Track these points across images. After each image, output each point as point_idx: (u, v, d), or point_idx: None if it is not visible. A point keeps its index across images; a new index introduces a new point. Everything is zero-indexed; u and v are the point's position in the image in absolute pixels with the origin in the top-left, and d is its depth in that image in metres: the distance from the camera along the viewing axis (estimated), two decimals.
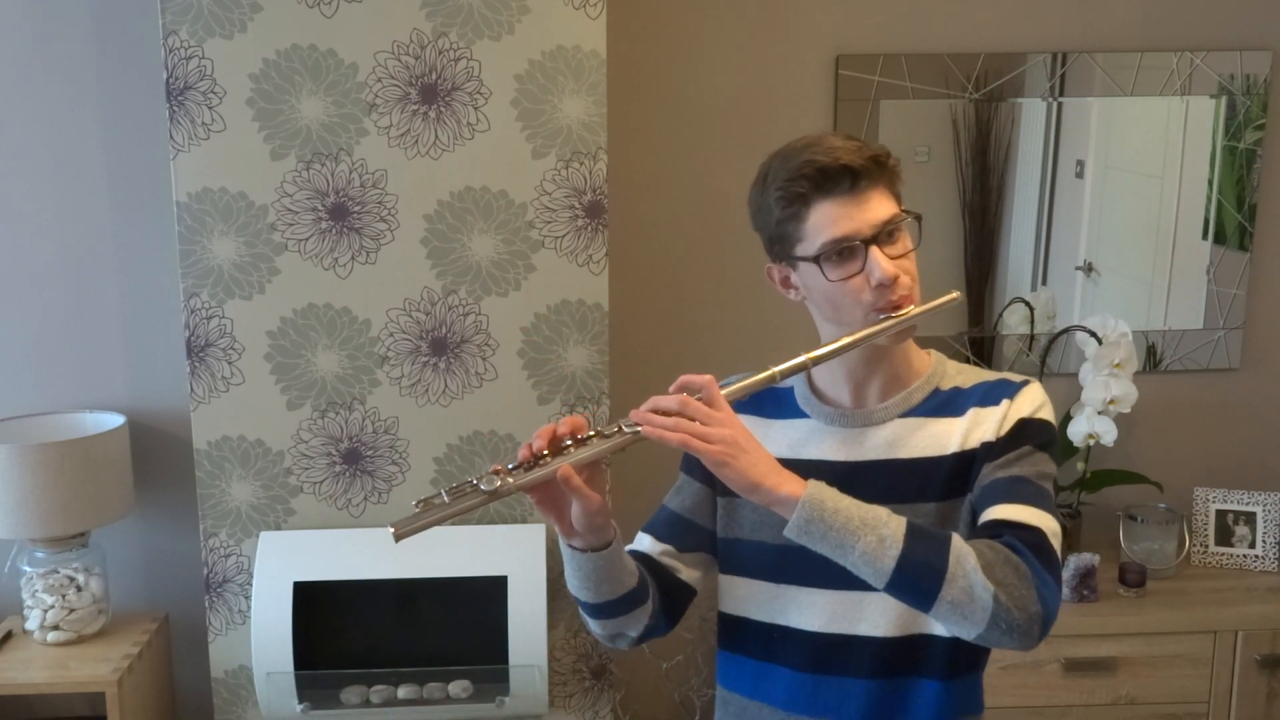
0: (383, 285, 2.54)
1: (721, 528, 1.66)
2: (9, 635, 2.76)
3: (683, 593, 1.68)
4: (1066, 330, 3.01)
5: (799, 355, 1.51)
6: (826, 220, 1.48)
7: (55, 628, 2.69)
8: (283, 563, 2.54)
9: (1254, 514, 2.97)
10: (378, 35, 2.44)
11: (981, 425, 1.53)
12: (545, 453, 1.45)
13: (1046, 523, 1.47)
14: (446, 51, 2.46)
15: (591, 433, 1.47)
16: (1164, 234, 3.05)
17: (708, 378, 1.46)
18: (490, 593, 2.54)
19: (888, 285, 1.49)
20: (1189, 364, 3.11)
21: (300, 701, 2.53)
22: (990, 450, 1.52)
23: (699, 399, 1.45)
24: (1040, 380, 2.92)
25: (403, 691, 2.56)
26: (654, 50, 2.87)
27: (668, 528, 1.69)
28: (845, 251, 1.49)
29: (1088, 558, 2.78)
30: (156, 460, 2.90)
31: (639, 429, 1.44)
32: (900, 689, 1.56)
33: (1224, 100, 2.98)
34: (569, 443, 1.46)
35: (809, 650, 1.59)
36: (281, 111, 2.46)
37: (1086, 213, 3.02)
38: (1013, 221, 3.01)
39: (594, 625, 1.65)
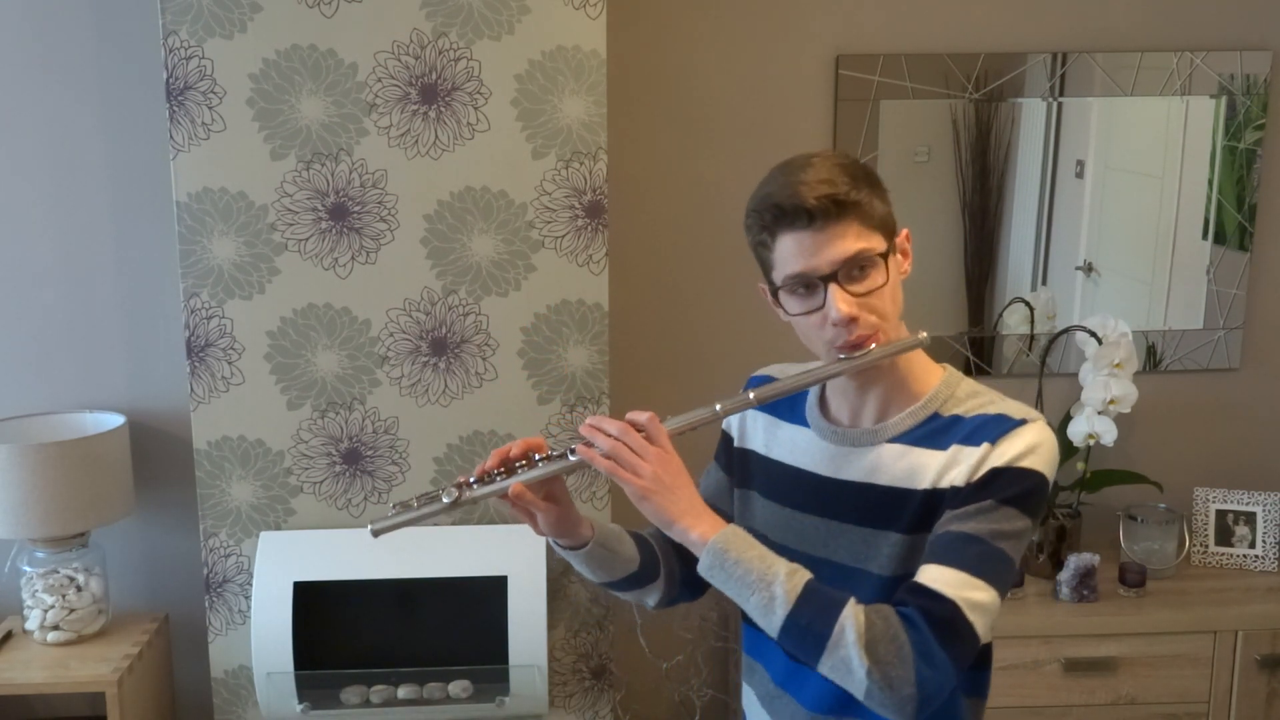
0: (383, 285, 2.54)
1: (738, 516, 1.71)
2: (9, 635, 2.76)
3: None
4: (1066, 330, 3.00)
5: (747, 393, 1.56)
6: (788, 254, 1.49)
7: (55, 628, 2.69)
8: (283, 563, 2.54)
9: (1254, 514, 2.97)
10: (378, 35, 2.44)
11: (958, 466, 1.48)
12: (500, 471, 1.55)
13: (969, 594, 1.41)
14: (446, 51, 2.46)
15: (543, 456, 1.56)
16: (1164, 234, 3.05)
17: (650, 415, 1.51)
18: (490, 593, 2.54)
19: (841, 324, 1.48)
20: (1189, 364, 3.11)
21: (300, 701, 2.53)
22: (956, 496, 1.47)
23: (643, 435, 1.50)
24: (1042, 374, 2.95)
25: (403, 691, 2.56)
26: (654, 50, 2.87)
27: None
28: (809, 286, 1.49)
29: (1088, 558, 2.78)
30: (156, 460, 2.90)
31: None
32: None
33: (1224, 100, 2.98)
34: (523, 463, 1.55)
35: None
36: (281, 111, 2.46)
37: (1086, 213, 3.02)
38: (1013, 221, 3.01)
39: (612, 592, 1.75)
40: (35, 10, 2.71)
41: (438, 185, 2.51)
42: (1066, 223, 3.02)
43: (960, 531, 1.44)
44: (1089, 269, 3.05)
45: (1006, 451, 1.47)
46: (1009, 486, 1.45)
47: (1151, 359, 3.10)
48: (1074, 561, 2.78)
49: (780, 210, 1.48)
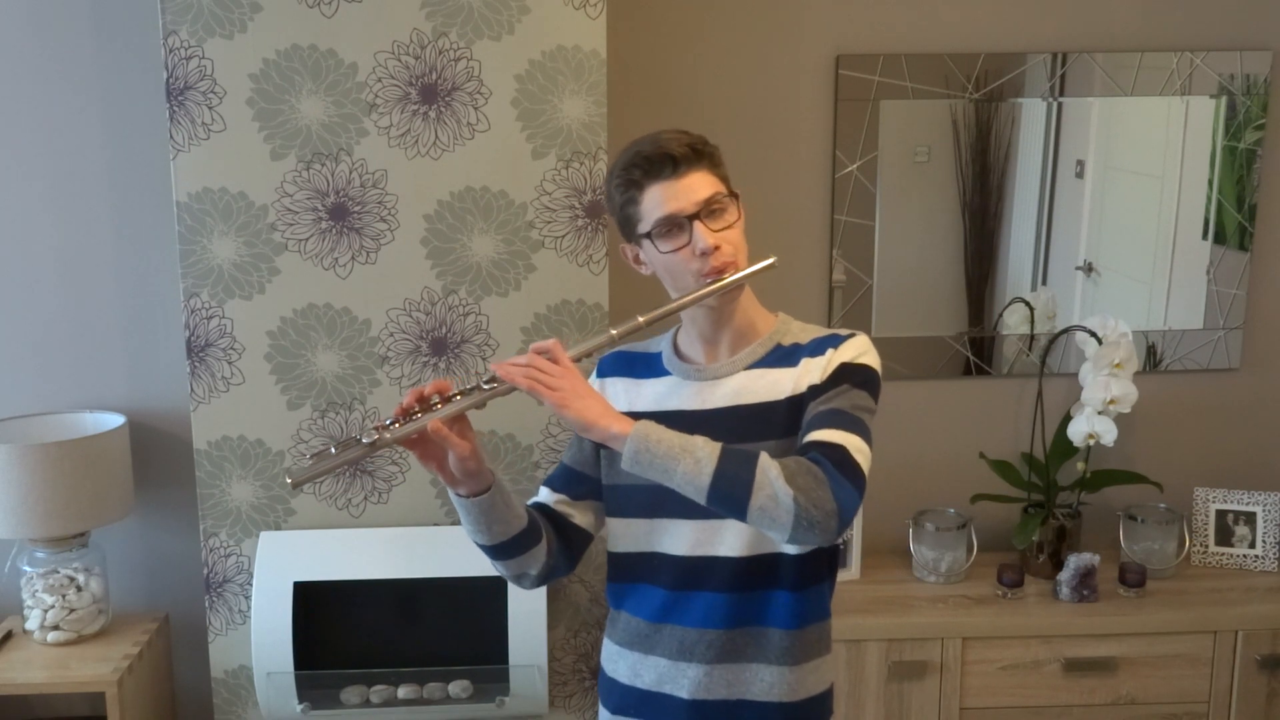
0: (383, 285, 2.54)
1: (605, 475, 1.90)
2: (9, 635, 2.76)
3: (578, 535, 1.95)
4: (1066, 330, 3.00)
5: (636, 317, 1.74)
6: (656, 201, 1.74)
7: (55, 628, 2.69)
8: (283, 563, 2.54)
9: (1254, 514, 2.97)
10: (378, 35, 2.44)
11: (810, 372, 1.77)
12: (417, 411, 1.69)
13: (851, 441, 1.67)
14: (446, 51, 2.46)
15: (455, 392, 1.71)
16: (1164, 234, 3.05)
17: (553, 341, 1.70)
18: (490, 593, 2.54)
19: (709, 253, 1.73)
20: (1189, 364, 3.11)
21: (300, 701, 2.53)
22: (815, 391, 1.75)
23: (547, 358, 1.68)
24: (1042, 374, 2.96)
25: (403, 691, 2.56)
26: (654, 50, 2.88)
27: (561, 480, 1.95)
28: (675, 227, 1.74)
29: (1088, 558, 2.78)
30: (156, 460, 2.90)
31: (495, 378, 1.68)
32: (755, 600, 1.80)
33: (1224, 100, 2.98)
34: (436, 400, 1.70)
35: (677, 571, 1.82)
36: (281, 111, 2.46)
37: (1086, 213, 3.02)
38: (1013, 221, 3.01)
39: (497, 567, 1.89)
40: (35, 10, 2.72)
41: (438, 185, 2.51)
42: (1066, 223, 3.02)
43: (827, 408, 1.72)
44: (1089, 269, 3.05)
45: (846, 352, 1.78)
46: (855, 375, 1.76)
47: (1151, 359, 3.10)
48: (1074, 561, 2.78)
49: (649, 162, 1.73)
